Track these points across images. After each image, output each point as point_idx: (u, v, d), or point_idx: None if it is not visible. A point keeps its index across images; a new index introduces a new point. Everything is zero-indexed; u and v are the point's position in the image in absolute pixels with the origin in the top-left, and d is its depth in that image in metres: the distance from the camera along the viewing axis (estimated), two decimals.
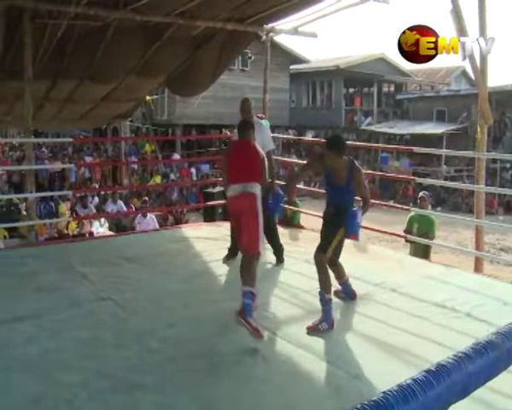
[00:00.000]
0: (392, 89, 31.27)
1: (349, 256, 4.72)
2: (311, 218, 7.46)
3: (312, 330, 3.95)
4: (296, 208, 7.71)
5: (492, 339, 1.28)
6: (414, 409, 1.07)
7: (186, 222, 12.76)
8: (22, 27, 6.57)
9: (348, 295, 4.64)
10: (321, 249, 4.16)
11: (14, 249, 6.97)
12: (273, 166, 5.48)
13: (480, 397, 2.55)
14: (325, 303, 4.07)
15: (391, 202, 15.68)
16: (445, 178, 21.40)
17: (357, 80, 29.27)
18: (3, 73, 8.26)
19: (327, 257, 4.17)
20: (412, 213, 7.57)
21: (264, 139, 5.34)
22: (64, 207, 12.61)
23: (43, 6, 6.61)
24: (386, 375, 3.02)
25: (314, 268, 4.18)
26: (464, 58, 5.77)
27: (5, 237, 10.14)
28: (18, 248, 7.21)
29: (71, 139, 15.26)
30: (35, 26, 6.67)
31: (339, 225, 4.15)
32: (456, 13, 5.73)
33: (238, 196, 4.30)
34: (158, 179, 20.78)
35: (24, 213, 11.09)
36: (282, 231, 7.06)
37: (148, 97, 14.04)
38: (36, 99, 8.22)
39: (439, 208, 19.28)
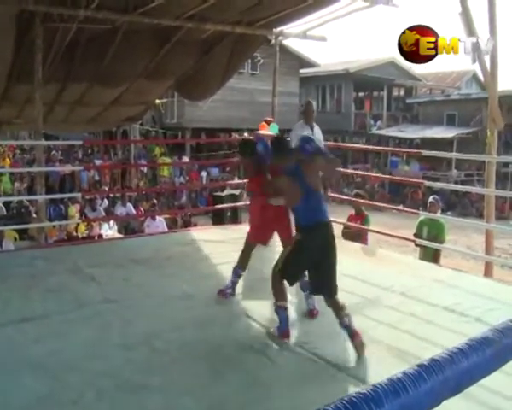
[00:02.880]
0: (403, 93, 31.22)
1: (357, 260, 4.70)
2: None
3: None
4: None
5: (488, 335, 1.25)
6: (404, 403, 1.05)
7: (195, 225, 12.76)
8: (33, 31, 6.62)
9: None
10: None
11: (23, 251, 7.02)
12: None
13: (473, 395, 2.54)
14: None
15: (400, 207, 15.58)
16: (455, 183, 21.23)
17: (367, 84, 29.22)
18: (14, 77, 8.33)
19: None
20: (422, 217, 7.51)
21: None
22: (73, 210, 12.64)
23: (53, 10, 6.67)
24: None
25: None
26: (474, 61, 5.74)
27: (15, 239, 10.19)
28: (28, 249, 7.26)
29: (81, 141, 15.33)
30: (45, 29, 6.72)
31: None
32: (466, 15, 5.70)
33: None
34: (165, 171, 21.02)
35: (34, 215, 11.14)
36: None
37: (157, 101, 14.08)
38: (46, 102, 8.27)
39: (449, 213, 19.13)
